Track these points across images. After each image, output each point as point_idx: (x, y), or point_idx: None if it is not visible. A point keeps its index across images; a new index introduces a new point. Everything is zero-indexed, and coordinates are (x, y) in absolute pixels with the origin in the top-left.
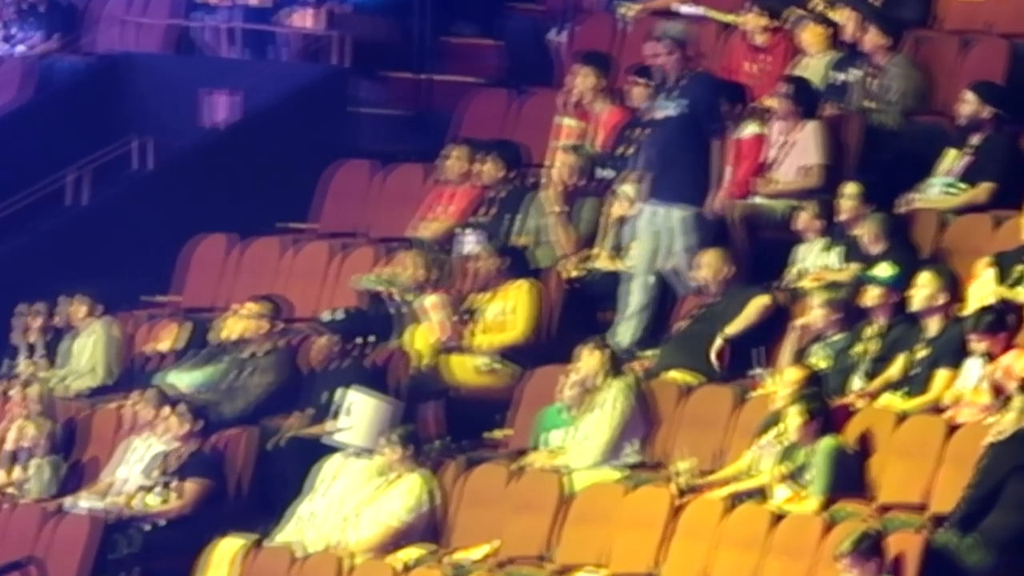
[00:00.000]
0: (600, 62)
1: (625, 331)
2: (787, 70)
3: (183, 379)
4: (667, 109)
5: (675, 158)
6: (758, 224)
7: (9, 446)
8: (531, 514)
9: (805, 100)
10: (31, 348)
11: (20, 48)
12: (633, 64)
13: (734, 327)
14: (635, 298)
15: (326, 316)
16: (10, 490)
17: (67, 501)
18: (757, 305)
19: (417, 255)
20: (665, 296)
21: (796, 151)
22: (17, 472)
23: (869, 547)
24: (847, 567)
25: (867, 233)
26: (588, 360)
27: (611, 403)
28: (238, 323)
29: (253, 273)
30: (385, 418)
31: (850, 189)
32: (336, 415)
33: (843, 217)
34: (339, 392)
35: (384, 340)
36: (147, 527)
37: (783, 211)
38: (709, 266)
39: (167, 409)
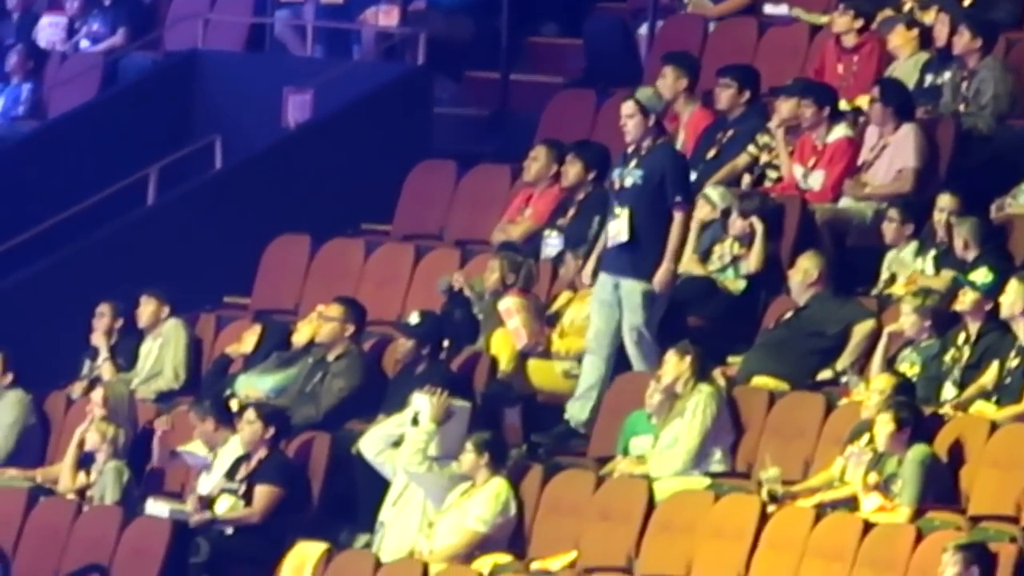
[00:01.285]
0: (686, 63)
1: (577, 410)
2: (877, 72)
3: (257, 383)
4: (630, 178)
5: (633, 230)
6: (846, 229)
7: (87, 447)
8: (614, 522)
9: (899, 103)
10: (110, 350)
11: (84, 44)
12: (720, 65)
13: (844, 361)
14: (585, 377)
15: (408, 320)
16: (71, 496)
17: (147, 505)
18: (863, 332)
19: (499, 258)
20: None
21: (889, 154)
22: (82, 477)
23: (979, 554)
24: (950, 563)
25: (960, 238)
26: (674, 365)
27: (698, 410)
28: (315, 326)
29: (330, 275)
30: (457, 423)
31: (944, 201)
32: (413, 421)
33: (938, 230)
34: (412, 397)
35: (463, 344)
36: (220, 534)
37: (873, 215)
38: (800, 271)
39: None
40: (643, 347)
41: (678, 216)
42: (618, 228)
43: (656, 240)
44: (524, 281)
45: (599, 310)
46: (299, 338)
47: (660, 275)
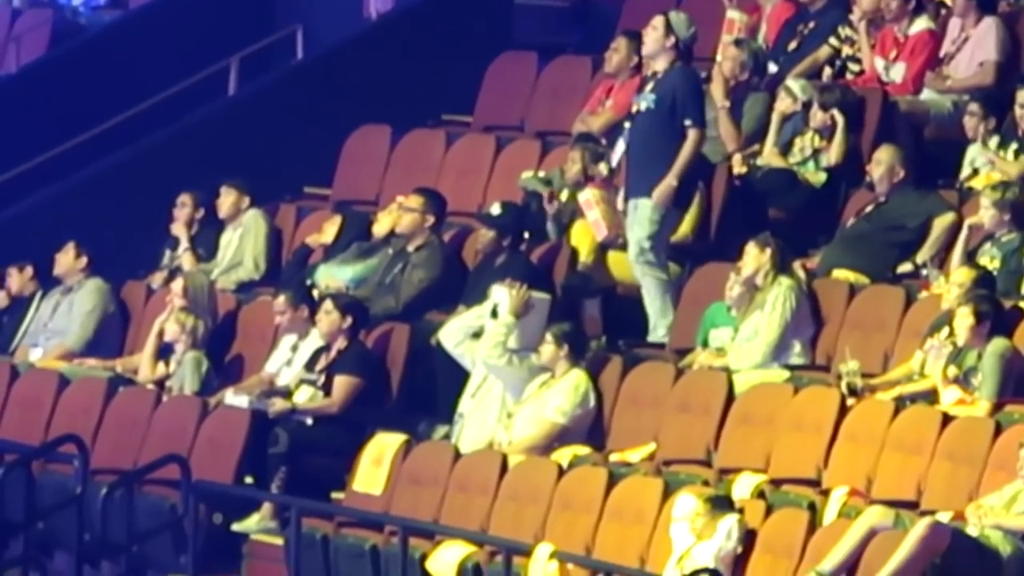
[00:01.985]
0: None
1: (656, 329)
2: None
3: (336, 274)
4: (644, 102)
5: (646, 153)
6: (927, 122)
7: (167, 337)
8: (692, 415)
9: None
10: (191, 240)
11: None
12: None
13: (924, 254)
14: (647, 298)
15: (489, 210)
16: (150, 386)
17: (226, 395)
18: (943, 225)
19: (580, 149)
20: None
21: (971, 47)
22: (161, 367)
23: None
24: None
25: None
26: (755, 257)
27: (778, 302)
28: (395, 217)
29: (410, 166)
30: (539, 313)
31: None
32: (492, 314)
33: (1020, 123)
34: (492, 289)
35: (544, 237)
36: (299, 424)
37: (953, 108)
38: (881, 163)
39: (327, 303)
40: (643, 263)
41: (692, 134)
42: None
43: (663, 163)
44: (606, 172)
45: (630, 228)
46: (379, 229)
47: (660, 189)
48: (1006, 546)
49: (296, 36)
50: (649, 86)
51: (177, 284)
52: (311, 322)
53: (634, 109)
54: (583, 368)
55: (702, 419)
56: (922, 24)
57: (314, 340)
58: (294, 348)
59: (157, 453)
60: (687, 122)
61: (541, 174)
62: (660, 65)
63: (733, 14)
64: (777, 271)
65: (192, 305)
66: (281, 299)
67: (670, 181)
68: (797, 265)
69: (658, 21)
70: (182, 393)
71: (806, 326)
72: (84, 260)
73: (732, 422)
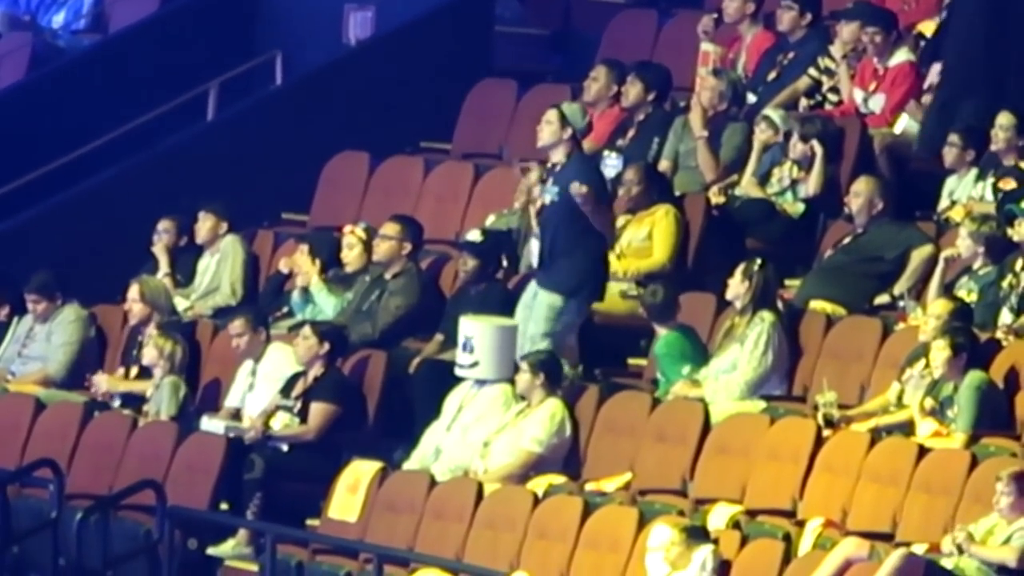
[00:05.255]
0: None
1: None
2: None
3: (317, 314)
4: (548, 195)
5: (554, 246)
6: (906, 153)
7: (145, 361)
8: (669, 444)
9: None
10: (170, 265)
11: None
12: None
13: (902, 285)
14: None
15: (469, 238)
16: (127, 412)
17: (202, 421)
18: (921, 257)
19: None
20: None
21: None
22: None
23: None
24: (1004, 492)
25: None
26: (734, 287)
27: (760, 340)
28: (356, 251)
29: (389, 193)
30: (508, 342)
31: (1004, 119)
32: (464, 348)
33: (996, 147)
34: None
35: (518, 265)
36: (275, 450)
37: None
38: (859, 195)
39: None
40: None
41: (602, 208)
42: (535, 252)
43: (572, 252)
44: None
45: (521, 313)
46: (349, 262)
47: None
48: None
49: (275, 62)
50: (550, 180)
51: (133, 290)
52: (267, 343)
53: (539, 204)
54: (559, 397)
55: (678, 449)
56: (902, 56)
57: (271, 362)
58: (253, 372)
59: (133, 478)
60: (581, 187)
61: (506, 211)
62: (558, 157)
63: (708, 47)
64: (757, 305)
65: (153, 306)
66: (239, 322)
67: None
68: (776, 296)
69: (552, 115)
70: (158, 418)
71: (783, 357)
72: (59, 296)
73: (708, 452)
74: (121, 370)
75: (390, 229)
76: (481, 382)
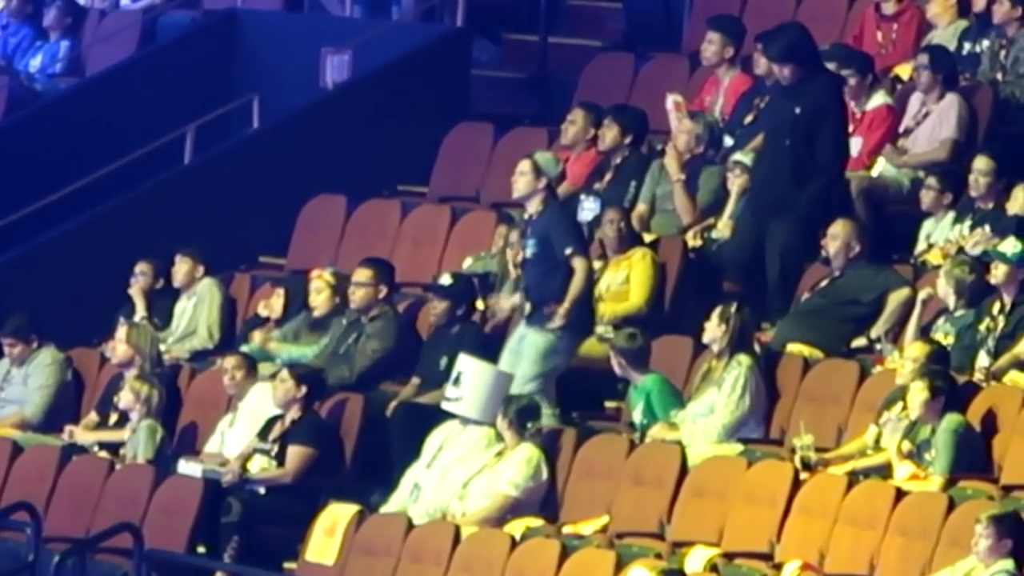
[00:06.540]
0: (732, 29)
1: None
2: (916, 40)
3: (295, 354)
4: (528, 248)
5: (540, 295)
6: (883, 196)
7: (122, 405)
8: (646, 487)
9: (945, 70)
10: (147, 308)
11: (124, 1)
12: (759, 31)
13: (879, 328)
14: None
15: (440, 281)
16: (104, 455)
17: (179, 464)
18: (898, 300)
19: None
20: None
21: (932, 122)
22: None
23: (1011, 527)
24: (983, 535)
25: (1017, 204)
26: (711, 330)
27: (738, 384)
28: (325, 295)
29: (366, 236)
30: (498, 388)
31: (982, 164)
32: (454, 382)
33: (974, 192)
34: (457, 359)
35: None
36: (252, 494)
37: (910, 183)
38: (837, 237)
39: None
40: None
41: (578, 263)
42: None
43: (555, 297)
44: None
45: (507, 359)
46: (317, 306)
47: (556, 318)
48: None
49: (252, 105)
50: (528, 231)
51: (121, 331)
52: (251, 382)
53: (520, 257)
54: (531, 441)
55: (655, 492)
56: (879, 100)
57: (255, 398)
58: (235, 408)
59: (110, 521)
60: (568, 251)
61: (483, 253)
62: (534, 207)
63: (676, 97)
64: (735, 348)
65: (136, 352)
66: (233, 359)
67: (565, 308)
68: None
69: (526, 166)
70: (135, 461)
71: (760, 400)
72: (35, 340)
73: (685, 495)
74: (96, 417)
75: (362, 275)
76: (466, 422)
